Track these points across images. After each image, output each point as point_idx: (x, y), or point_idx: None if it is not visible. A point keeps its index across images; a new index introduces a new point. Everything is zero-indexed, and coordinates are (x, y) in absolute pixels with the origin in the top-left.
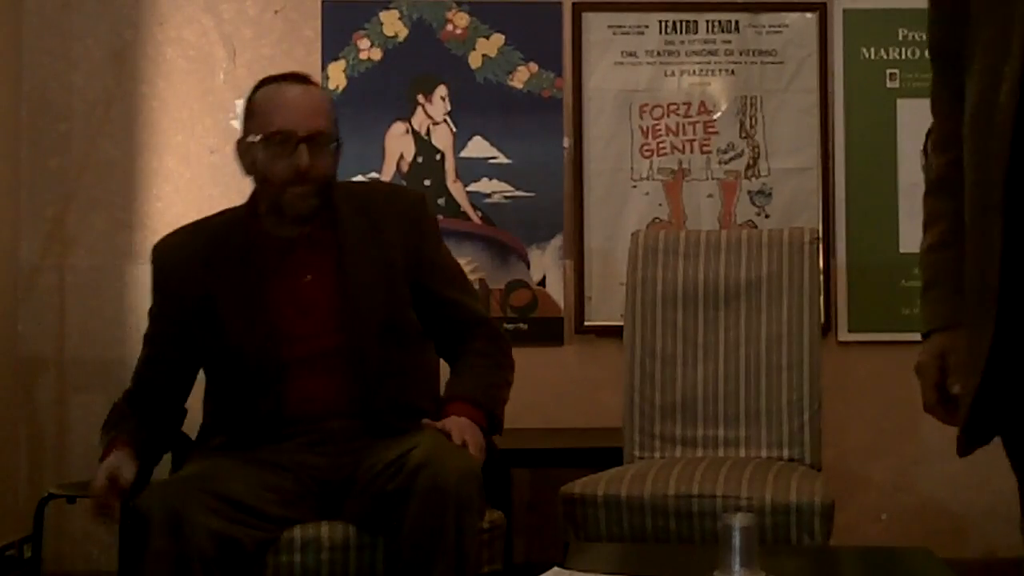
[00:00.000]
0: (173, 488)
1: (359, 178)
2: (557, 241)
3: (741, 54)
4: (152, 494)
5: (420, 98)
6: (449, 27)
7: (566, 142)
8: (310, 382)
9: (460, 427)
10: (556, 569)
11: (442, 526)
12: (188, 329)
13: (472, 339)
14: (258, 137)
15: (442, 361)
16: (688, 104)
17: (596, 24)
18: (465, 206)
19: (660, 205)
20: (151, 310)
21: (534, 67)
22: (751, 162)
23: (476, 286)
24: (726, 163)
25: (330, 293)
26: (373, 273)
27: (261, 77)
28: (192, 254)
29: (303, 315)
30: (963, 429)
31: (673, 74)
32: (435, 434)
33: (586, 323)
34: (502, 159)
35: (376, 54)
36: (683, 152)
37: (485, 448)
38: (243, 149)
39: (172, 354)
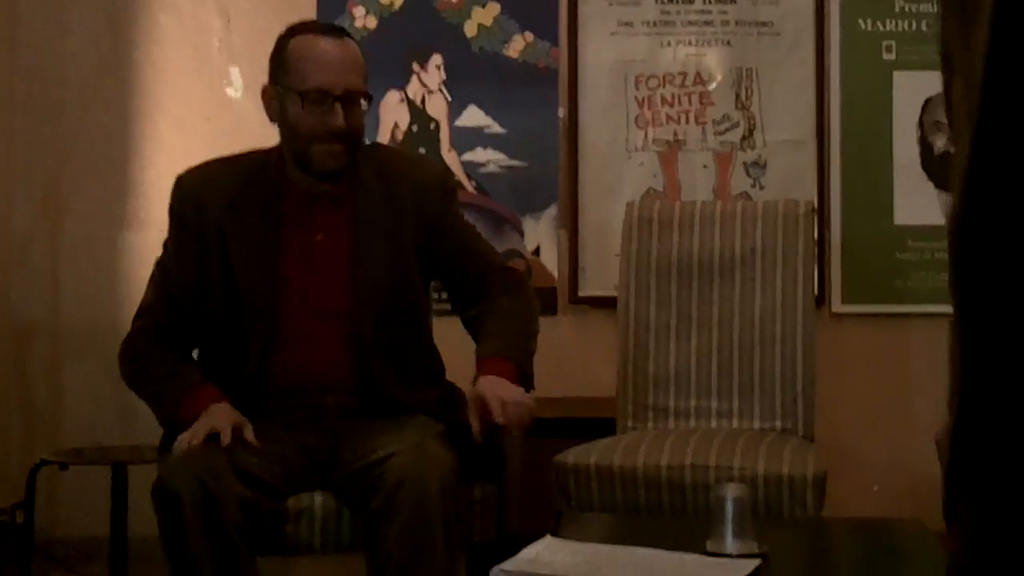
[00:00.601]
0: (200, 461)
1: None
2: (552, 211)
3: (737, 25)
4: (178, 469)
5: (415, 67)
6: None
7: (561, 112)
8: (305, 349)
9: (497, 395)
10: (548, 538)
11: (430, 541)
12: (200, 262)
13: (494, 290)
14: (292, 92)
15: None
16: (684, 75)
17: None
18: (460, 176)
19: (655, 176)
20: (167, 241)
21: (530, 37)
22: (747, 133)
23: None
24: (722, 134)
25: (339, 253)
26: (384, 240)
27: (256, 45)
28: (214, 190)
29: (309, 271)
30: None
31: (669, 45)
32: (416, 434)
33: (580, 294)
34: (497, 129)
35: (371, 23)
36: (678, 123)
37: (530, 399)
38: (270, 96)
39: (185, 281)
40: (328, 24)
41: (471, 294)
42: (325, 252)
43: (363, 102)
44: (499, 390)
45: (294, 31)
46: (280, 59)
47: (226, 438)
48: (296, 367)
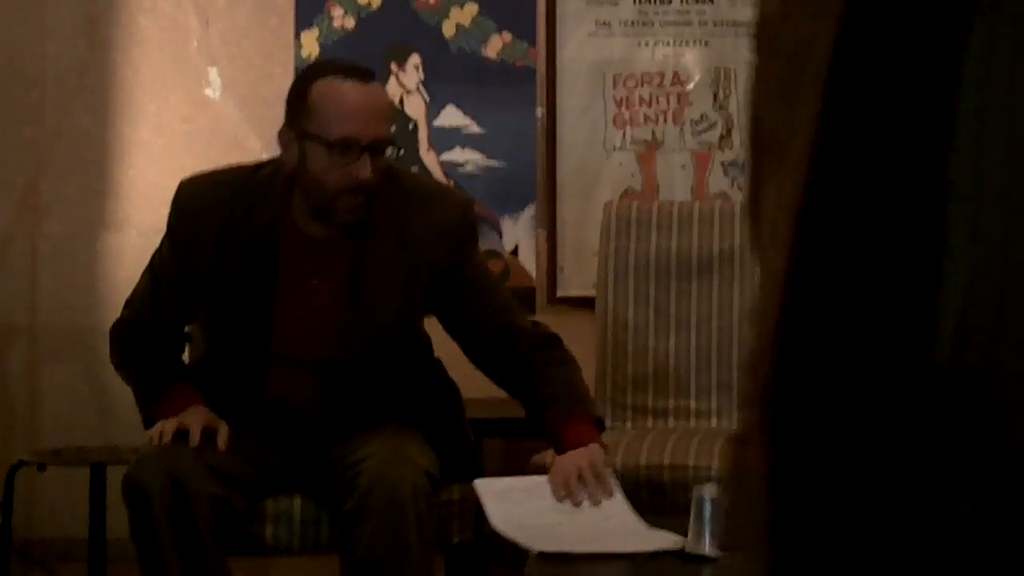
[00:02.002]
0: (170, 457)
1: None
2: (530, 211)
3: (715, 25)
4: (148, 464)
5: (393, 67)
6: None
7: (539, 112)
8: (292, 382)
9: (583, 470)
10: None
11: (403, 542)
12: (191, 279)
13: (526, 347)
14: (315, 140)
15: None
16: (662, 75)
17: None
18: (438, 175)
19: (633, 176)
20: (161, 247)
21: (508, 37)
22: (724, 133)
23: None
24: (699, 134)
25: (332, 301)
26: (388, 289)
27: (233, 46)
28: (215, 217)
29: (296, 318)
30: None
31: (647, 45)
32: (392, 439)
33: (558, 294)
34: (475, 128)
35: (349, 23)
36: (656, 123)
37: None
38: (287, 139)
39: (170, 298)
40: (353, 65)
41: (495, 350)
42: (316, 299)
43: (389, 150)
44: (580, 463)
45: (317, 72)
46: (302, 102)
47: (195, 437)
48: (280, 395)
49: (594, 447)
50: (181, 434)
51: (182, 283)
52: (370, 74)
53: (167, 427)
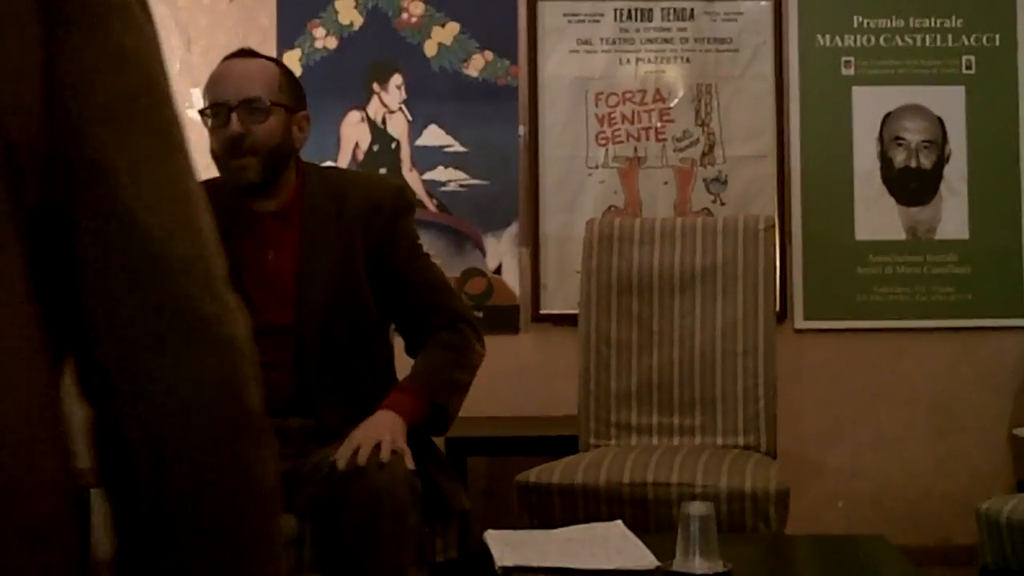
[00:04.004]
0: None
1: None
2: (513, 229)
3: (696, 41)
4: None
5: (375, 86)
6: (404, 15)
7: (521, 130)
8: (262, 363)
9: (370, 438)
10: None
11: (378, 533)
12: None
13: (438, 329)
14: (202, 116)
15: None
16: (643, 92)
17: (551, 12)
18: (421, 194)
19: (616, 193)
20: None
21: (489, 55)
22: (706, 149)
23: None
24: (681, 151)
25: (287, 270)
26: (331, 258)
27: (216, 66)
28: None
29: (261, 288)
30: None
31: (628, 62)
32: (365, 439)
33: (542, 311)
34: (457, 147)
35: (331, 42)
36: (638, 140)
37: (400, 448)
38: (204, 119)
39: None
40: (243, 48)
41: (414, 326)
42: (275, 269)
43: (274, 113)
44: (370, 431)
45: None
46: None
47: None
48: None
49: (387, 413)
50: None
51: None
52: (254, 54)
53: None
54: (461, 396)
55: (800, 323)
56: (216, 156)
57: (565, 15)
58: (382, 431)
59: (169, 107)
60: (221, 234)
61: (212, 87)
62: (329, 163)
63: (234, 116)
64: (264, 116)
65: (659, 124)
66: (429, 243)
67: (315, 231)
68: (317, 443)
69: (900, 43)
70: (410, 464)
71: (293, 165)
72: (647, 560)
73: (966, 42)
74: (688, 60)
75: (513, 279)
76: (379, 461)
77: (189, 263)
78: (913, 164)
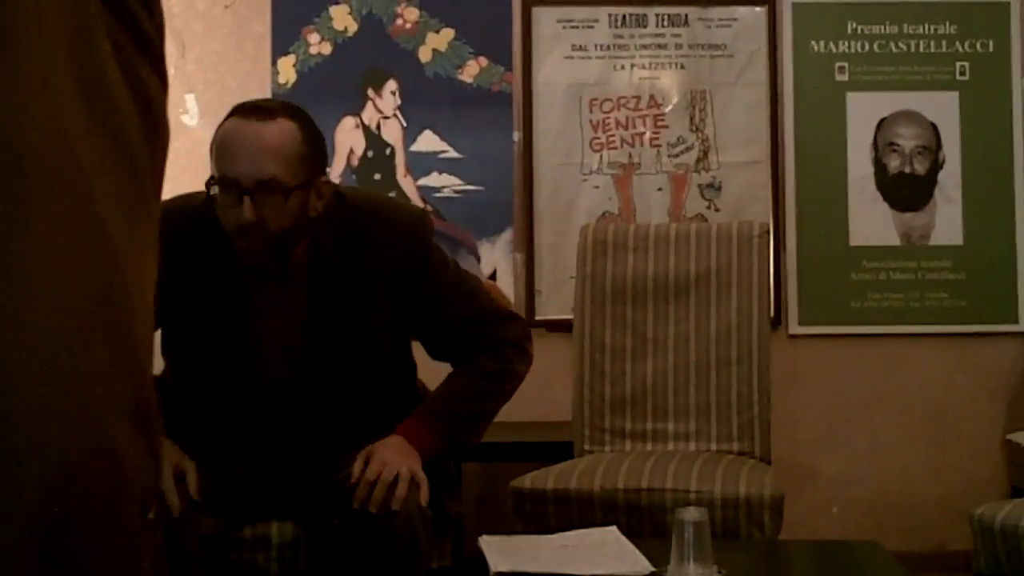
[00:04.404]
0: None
1: None
2: (507, 235)
3: (691, 48)
4: None
5: (370, 92)
6: (399, 21)
7: (516, 136)
8: (270, 416)
9: (387, 470)
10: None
11: (393, 558)
12: (164, 302)
13: (476, 353)
14: (212, 181)
15: None
16: (638, 98)
17: (546, 18)
18: (415, 200)
19: (610, 199)
20: None
21: (484, 61)
22: (701, 156)
23: None
24: (676, 157)
25: (296, 333)
26: (341, 316)
27: (211, 72)
28: (176, 237)
29: (266, 349)
30: None
31: (623, 68)
32: (382, 470)
33: (536, 317)
34: (452, 153)
35: (326, 48)
36: (633, 146)
37: (419, 479)
38: (209, 187)
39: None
40: (259, 104)
41: (458, 359)
42: (280, 333)
43: (293, 195)
44: (386, 459)
45: (230, 112)
46: (211, 145)
47: (175, 508)
48: (258, 428)
49: (404, 443)
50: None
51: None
52: (272, 112)
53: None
54: (484, 427)
55: (794, 329)
56: (224, 228)
57: (559, 21)
58: (398, 463)
59: (40, 178)
60: (229, 283)
61: (222, 156)
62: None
63: (247, 200)
64: (281, 200)
65: (653, 130)
66: None
67: (323, 292)
68: (319, 457)
69: (894, 49)
70: (424, 499)
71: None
72: (642, 566)
73: (960, 48)
74: (682, 66)
75: (508, 285)
76: (395, 498)
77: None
78: (907, 170)
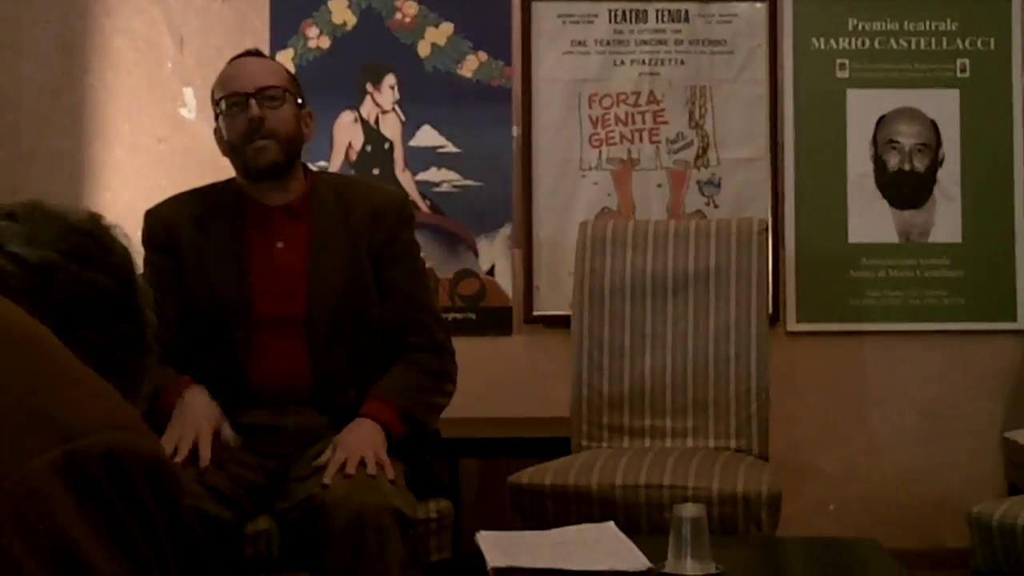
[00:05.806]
0: None
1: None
2: (506, 230)
3: (691, 44)
4: None
5: (369, 87)
6: (398, 15)
7: (515, 131)
8: (274, 351)
9: (353, 454)
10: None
11: (363, 561)
12: (180, 277)
13: (420, 349)
14: (216, 108)
15: None
16: (637, 94)
17: (546, 13)
18: (414, 195)
19: (609, 195)
20: (144, 270)
21: (483, 56)
22: (700, 152)
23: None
24: (675, 153)
25: (297, 262)
26: (339, 254)
27: (209, 67)
28: (182, 213)
29: (273, 276)
30: None
31: (623, 63)
32: (349, 454)
33: (534, 313)
34: (451, 148)
35: (325, 43)
36: (632, 142)
37: (386, 462)
38: (217, 134)
39: (170, 299)
40: (249, 49)
41: (395, 334)
42: (285, 259)
43: (288, 102)
44: (352, 444)
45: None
46: (212, 95)
47: (205, 457)
48: (267, 371)
49: (369, 424)
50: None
51: (173, 282)
52: (258, 52)
53: (181, 444)
54: (436, 417)
55: (793, 326)
56: (233, 145)
57: (559, 16)
58: (364, 445)
59: None
60: (232, 224)
61: (227, 81)
62: (322, 163)
63: (252, 102)
64: (280, 103)
65: (653, 126)
66: (422, 244)
67: (324, 227)
68: (309, 445)
69: (895, 46)
70: (390, 474)
71: (299, 164)
72: (639, 562)
73: (961, 46)
74: (682, 62)
75: (506, 281)
76: (364, 476)
77: None
78: (907, 167)
